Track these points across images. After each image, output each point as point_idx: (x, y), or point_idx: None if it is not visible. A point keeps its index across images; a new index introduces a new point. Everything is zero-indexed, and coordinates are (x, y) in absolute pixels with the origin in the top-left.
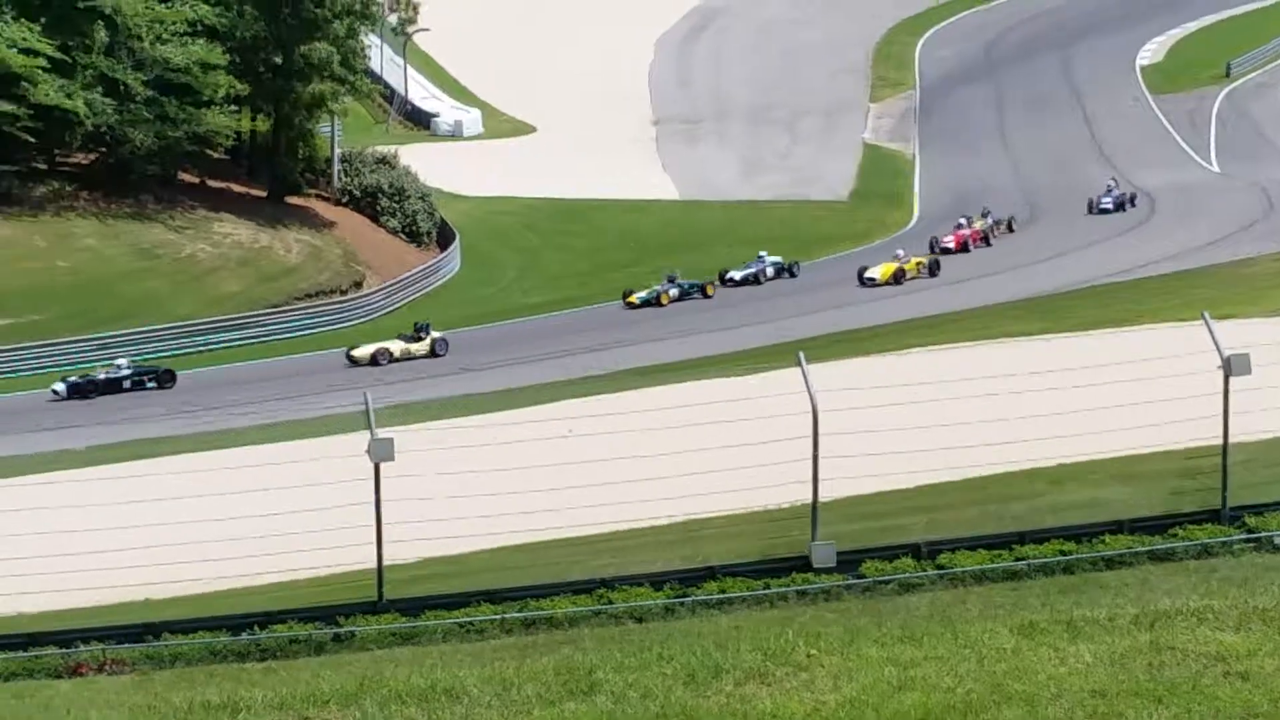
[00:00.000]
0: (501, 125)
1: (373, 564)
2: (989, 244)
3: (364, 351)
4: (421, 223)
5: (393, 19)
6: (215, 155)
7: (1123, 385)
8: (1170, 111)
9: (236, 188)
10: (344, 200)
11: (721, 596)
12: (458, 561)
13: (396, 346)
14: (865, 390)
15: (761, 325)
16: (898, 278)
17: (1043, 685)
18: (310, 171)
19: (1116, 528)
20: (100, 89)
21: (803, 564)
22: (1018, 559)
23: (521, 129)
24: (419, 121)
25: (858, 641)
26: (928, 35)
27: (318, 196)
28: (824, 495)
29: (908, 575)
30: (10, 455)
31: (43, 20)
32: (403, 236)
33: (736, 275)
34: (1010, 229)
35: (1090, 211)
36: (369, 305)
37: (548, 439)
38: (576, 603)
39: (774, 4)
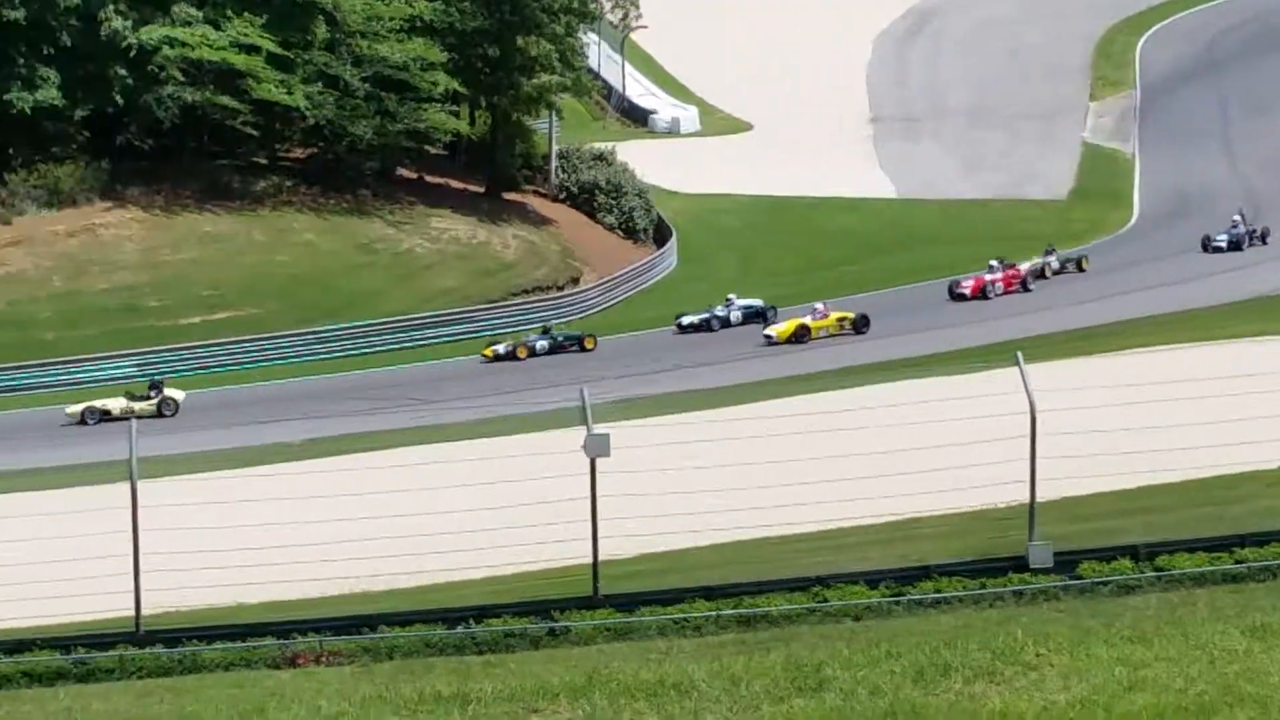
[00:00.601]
0: (718, 122)
1: (588, 559)
2: (1026, 289)
3: (75, 409)
4: (638, 219)
5: (612, 16)
6: (433, 151)
7: None
8: None
9: (454, 183)
10: (561, 196)
11: (937, 595)
12: (673, 557)
13: (117, 404)
14: (1082, 390)
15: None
16: (799, 336)
17: (1276, 688)
18: (528, 167)
19: None
20: (320, 85)
21: (1019, 564)
22: (1238, 561)
23: (738, 126)
24: (636, 118)
25: (1087, 641)
26: (1148, 34)
27: (535, 193)
28: (1039, 495)
29: (1126, 577)
30: (230, 448)
31: (264, 16)
32: (619, 233)
33: (692, 320)
34: (1080, 268)
35: (1204, 249)
36: (586, 301)
37: (763, 436)
38: (791, 600)
39: (992, 2)
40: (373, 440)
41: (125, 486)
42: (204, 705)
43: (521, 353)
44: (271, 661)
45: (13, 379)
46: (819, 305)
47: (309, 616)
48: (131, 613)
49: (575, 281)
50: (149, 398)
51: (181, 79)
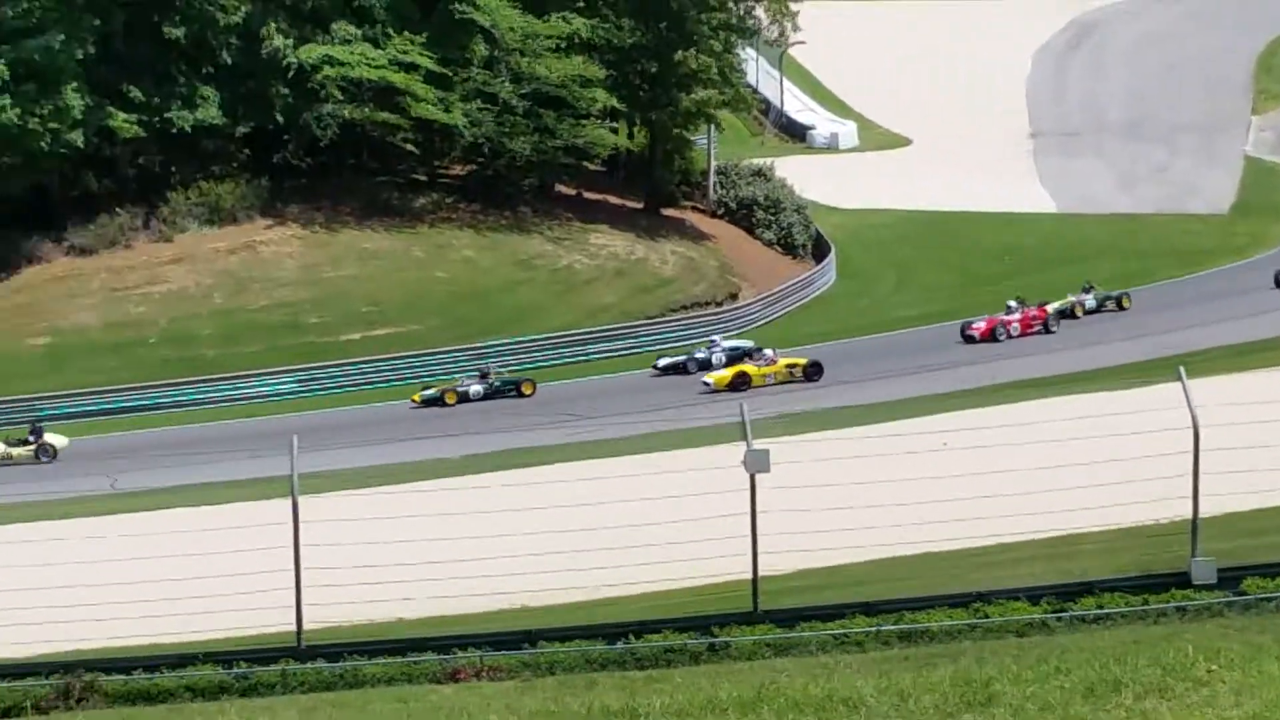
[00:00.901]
0: (877, 137)
1: (747, 574)
2: (1049, 330)
3: None
4: (797, 235)
5: (770, 32)
6: (591, 167)
7: None
8: None
9: (613, 199)
10: (720, 212)
11: (1100, 611)
12: (832, 573)
13: None
14: (1242, 406)
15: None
16: (738, 384)
17: None
18: (686, 184)
19: None
20: (478, 102)
21: (1181, 580)
22: None
23: (897, 141)
24: (794, 134)
25: (1259, 658)
26: None
27: (693, 208)
28: (1201, 511)
29: None
30: (388, 463)
31: (424, 34)
32: (778, 248)
33: (670, 361)
34: (1121, 306)
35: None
36: (746, 316)
37: (921, 452)
38: (952, 615)
39: (1152, 17)
40: (532, 456)
41: (286, 502)
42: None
43: (450, 398)
44: (433, 676)
45: (175, 394)
46: (768, 352)
47: (469, 631)
48: (293, 627)
49: (734, 297)
50: (28, 443)
51: (340, 97)
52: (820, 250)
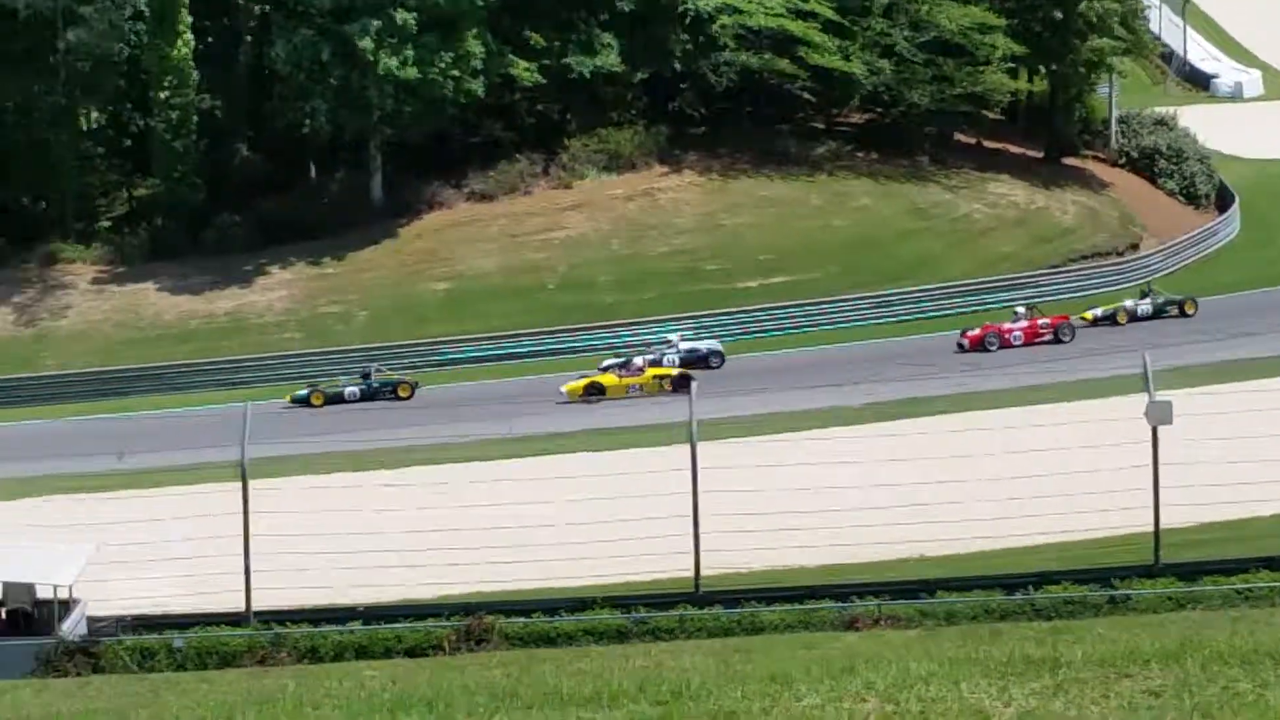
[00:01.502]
0: None
1: (1148, 527)
2: (1060, 340)
3: None
4: (1199, 185)
5: None
6: (990, 116)
7: None
8: None
9: (1012, 149)
10: (1121, 162)
11: None
12: (1236, 526)
13: None
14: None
15: None
16: (591, 392)
17: None
18: (1086, 132)
19: None
20: (876, 51)
21: None
22: None
23: None
24: (1197, 83)
25: None
26: None
27: (1094, 158)
28: None
29: None
30: (786, 411)
31: None
32: (1180, 199)
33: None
34: (1184, 312)
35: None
36: (1146, 267)
37: None
38: None
39: None
40: (927, 405)
41: (684, 449)
42: (785, 664)
43: (317, 399)
44: (831, 624)
45: (574, 340)
46: (637, 361)
47: (867, 580)
48: (690, 574)
49: (1134, 248)
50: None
51: (735, 45)
52: (1223, 201)
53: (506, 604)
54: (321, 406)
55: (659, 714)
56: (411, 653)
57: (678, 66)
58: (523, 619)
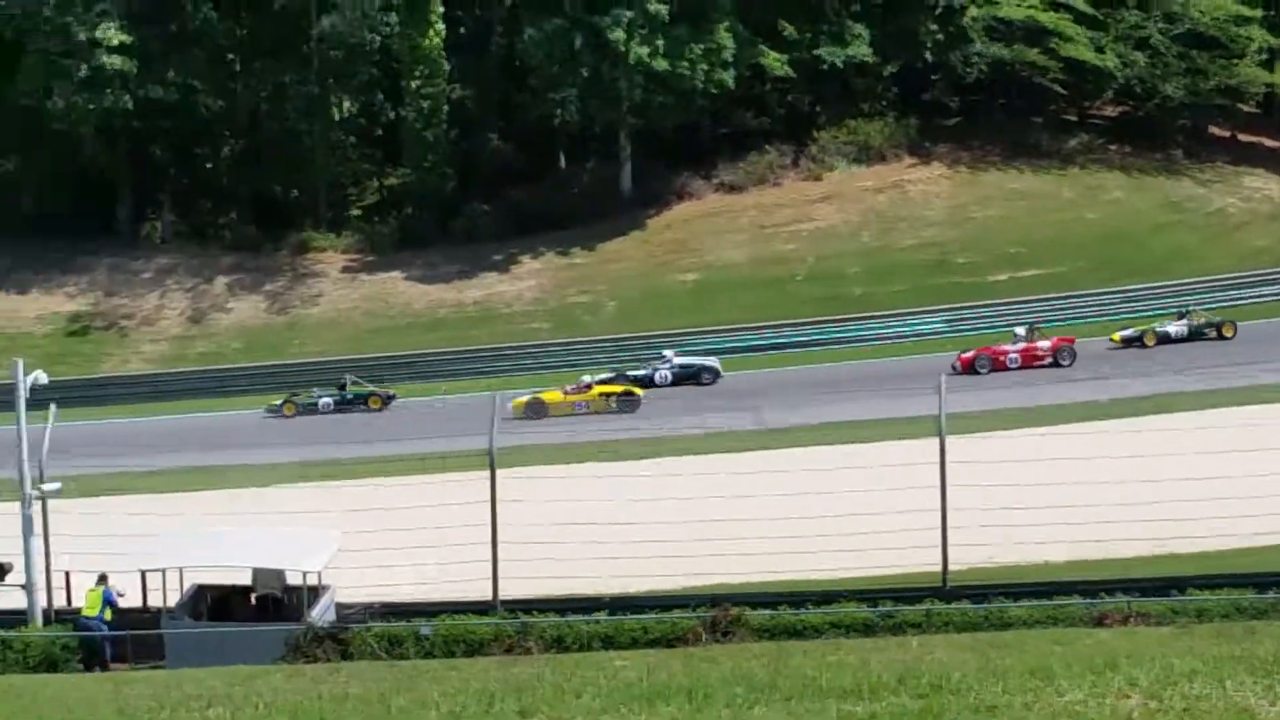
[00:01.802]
0: None
1: None
2: (1059, 364)
3: None
4: None
5: None
6: (1245, 109)
7: None
8: None
9: (1268, 142)
10: None
11: None
12: None
13: None
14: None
15: None
16: (532, 411)
17: None
18: None
19: None
20: (1129, 43)
21: None
22: None
23: None
24: None
25: None
26: None
27: None
28: None
29: None
30: (1035, 405)
31: None
32: None
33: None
34: (1221, 334)
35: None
36: None
37: None
38: None
39: None
40: (1175, 401)
41: (929, 442)
42: (1044, 659)
43: (289, 410)
44: (1079, 619)
45: (822, 332)
46: (585, 378)
47: (1116, 576)
48: (937, 568)
49: None
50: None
51: (984, 38)
52: None
53: (753, 596)
54: (293, 417)
55: (920, 707)
56: (658, 643)
57: (928, 57)
58: (769, 611)
